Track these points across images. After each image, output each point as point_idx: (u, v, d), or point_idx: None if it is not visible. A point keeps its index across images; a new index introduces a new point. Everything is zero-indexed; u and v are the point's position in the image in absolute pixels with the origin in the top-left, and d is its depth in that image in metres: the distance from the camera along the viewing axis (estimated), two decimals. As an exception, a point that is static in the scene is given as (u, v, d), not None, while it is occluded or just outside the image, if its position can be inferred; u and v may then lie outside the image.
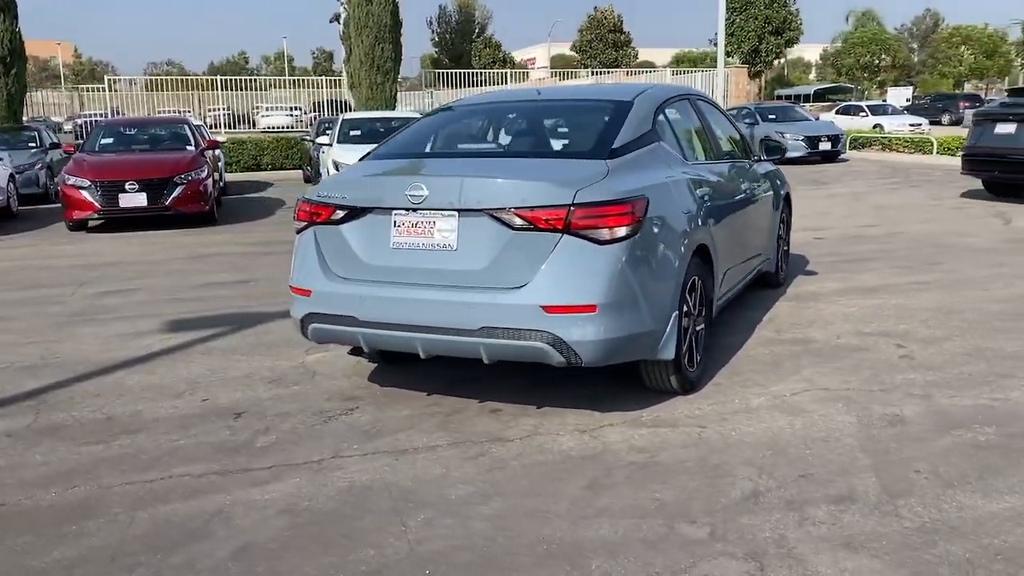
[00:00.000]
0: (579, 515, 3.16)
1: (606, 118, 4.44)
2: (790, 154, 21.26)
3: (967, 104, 47.82)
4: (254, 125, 29.27)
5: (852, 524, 3.03)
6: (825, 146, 22.00)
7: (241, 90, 28.75)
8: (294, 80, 31.49)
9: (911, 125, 33.93)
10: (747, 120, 22.83)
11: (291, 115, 31.26)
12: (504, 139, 4.94)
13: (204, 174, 12.13)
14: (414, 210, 3.88)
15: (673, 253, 4.08)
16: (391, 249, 3.97)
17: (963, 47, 62.95)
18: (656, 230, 3.90)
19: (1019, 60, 59.02)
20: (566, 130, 4.78)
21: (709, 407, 4.23)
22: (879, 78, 67.26)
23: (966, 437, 3.78)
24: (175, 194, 11.59)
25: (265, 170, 22.38)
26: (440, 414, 4.24)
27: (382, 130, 14.97)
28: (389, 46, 23.71)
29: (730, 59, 37.21)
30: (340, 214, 4.07)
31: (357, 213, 4.03)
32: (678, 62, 65.17)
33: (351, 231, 4.06)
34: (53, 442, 4.01)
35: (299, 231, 4.32)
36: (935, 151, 21.97)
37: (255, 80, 31.78)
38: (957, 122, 42.16)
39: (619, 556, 2.86)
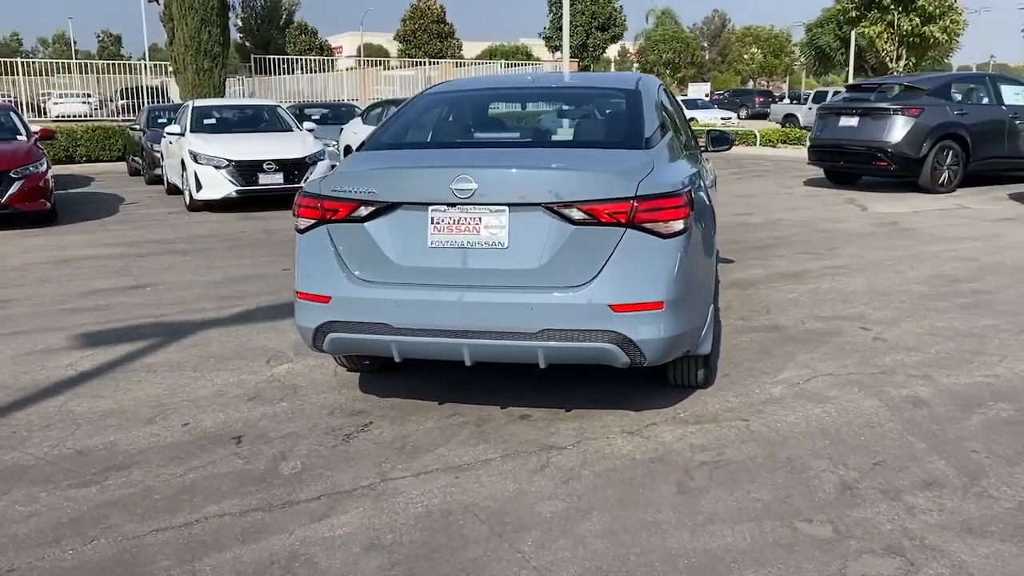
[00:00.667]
0: (692, 523, 3.01)
1: (623, 106, 4.29)
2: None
3: (761, 99, 51.61)
4: (44, 113, 26.30)
5: (958, 509, 3.06)
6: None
7: (23, 74, 25.70)
8: (107, 65, 28.77)
9: (722, 118, 36.19)
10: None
11: (86, 103, 28.43)
12: (523, 128, 4.66)
13: (44, 167, 10.84)
14: (455, 205, 3.56)
15: (708, 246, 4.02)
16: (429, 248, 3.62)
17: (754, 47, 67.81)
18: (696, 223, 3.80)
19: (802, 59, 64.27)
20: (586, 119, 4.57)
21: (736, 400, 4.19)
22: (680, 75, 71.27)
23: (991, 415, 3.96)
24: (12, 190, 10.27)
25: (79, 162, 20.46)
26: (468, 424, 3.94)
27: (236, 118, 14.05)
28: (217, 30, 22.35)
29: (558, 53, 37.99)
30: (364, 211, 3.67)
31: (385, 209, 3.65)
32: (490, 55, 65.93)
33: (378, 229, 3.67)
34: (27, 488, 3.36)
35: (303, 230, 3.86)
36: (758, 143, 23.47)
37: (53, 64, 28.81)
38: (755, 116, 45.45)
39: (768, 565, 2.74)
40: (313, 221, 3.79)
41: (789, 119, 33.67)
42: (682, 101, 36.95)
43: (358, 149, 4.23)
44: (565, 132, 4.42)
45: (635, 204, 3.47)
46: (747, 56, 69.45)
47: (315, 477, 3.42)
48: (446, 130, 4.56)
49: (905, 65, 22.35)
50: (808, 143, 14.65)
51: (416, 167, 3.80)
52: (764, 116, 42.94)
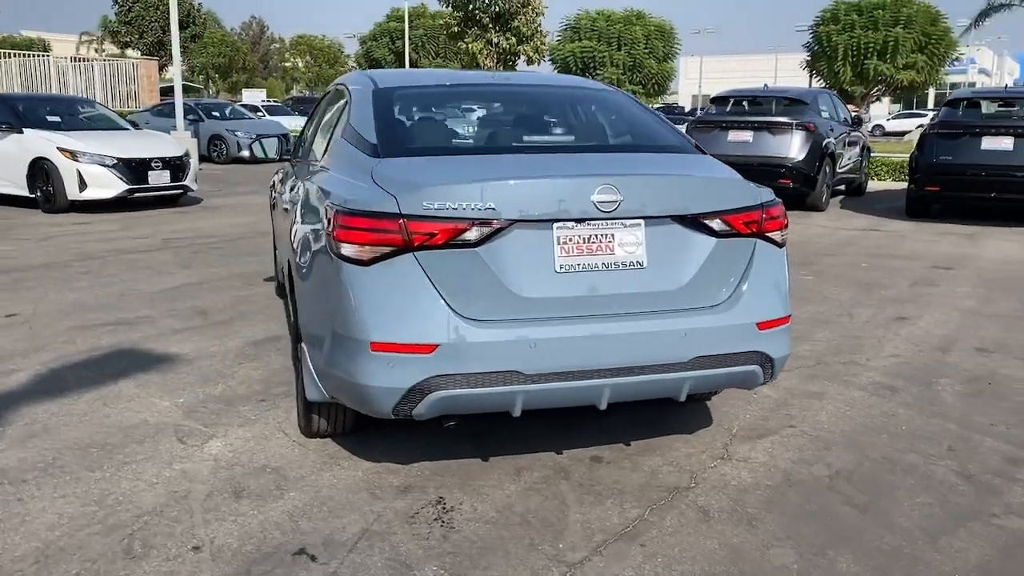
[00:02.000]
0: (924, 546, 2.90)
1: (634, 108, 3.97)
2: (247, 153, 20.73)
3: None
4: None
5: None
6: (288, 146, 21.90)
7: None
8: None
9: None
10: (189, 117, 21.43)
11: None
12: (557, 131, 3.98)
13: None
14: (584, 221, 2.97)
15: None
16: (556, 274, 2.96)
17: (307, 56, 68.15)
18: None
19: (356, 68, 66.11)
20: (620, 121, 4.07)
21: (777, 404, 4.13)
22: (232, 79, 68.88)
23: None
24: None
25: None
26: (552, 478, 3.34)
27: (61, 112, 12.17)
28: None
29: (130, 51, 34.06)
30: (477, 232, 2.88)
31: (501, 230, 2.91)
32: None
33: (494, 254, 2.90)
34: None
35: (368, 261, 2.90)
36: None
37: None
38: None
39: (1044, 565, 2.75)
40: (389, 249, 2.87)
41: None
42: (263, 107, 35.72)
43: (382, 154, 3.29)
44: (616, 135, 3.92)
45: (763, 213, 3.23)
46: (302, 65, 69.51)
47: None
48: (477, 134, 3.79)
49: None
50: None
51: (546, 176, 3.08)
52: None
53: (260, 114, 26.19)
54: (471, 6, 22.35)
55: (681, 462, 3.48)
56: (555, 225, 2.94)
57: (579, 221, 2.95)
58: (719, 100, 13.33)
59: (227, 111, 23.09)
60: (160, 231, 9.68)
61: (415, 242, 2.85)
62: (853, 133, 13.50)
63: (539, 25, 23.10)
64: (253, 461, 3.45)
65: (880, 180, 16.05)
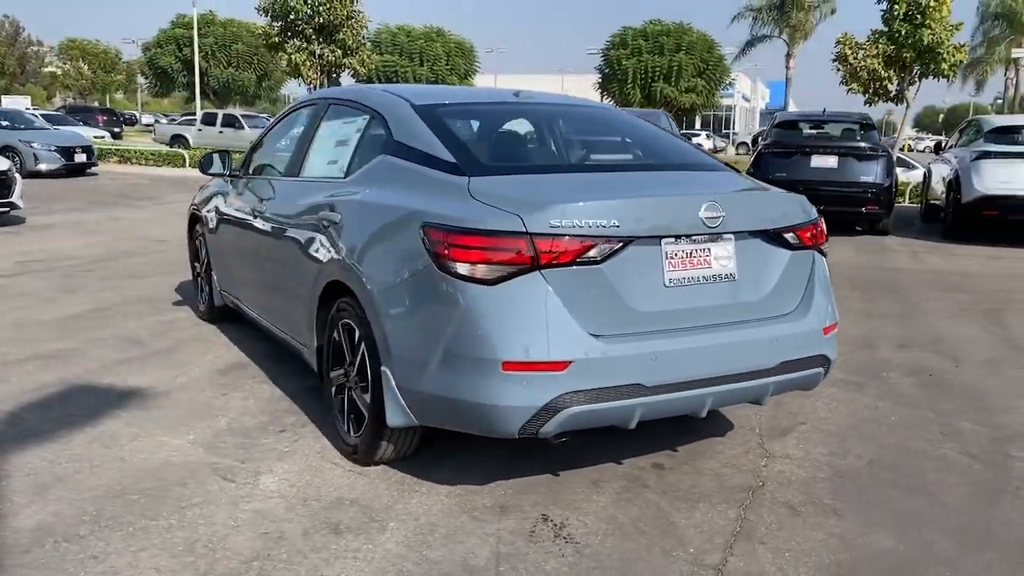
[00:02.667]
0: (985, 520, 3.28)
1: (661, 131, 4.16)
2: (46, 167, 18.97)
3: (104, 118, 48.23)
4: None
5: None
6: (81, 158, 20.20)
7: None
8: None
9: (96, 136, 33.11)
10: (-33, 126, 19.36)
11: None
12: (617, 150, 3.99)
13: None
14: (686, 237, 3.11)
15: None
16: (665, 288, 3.07)
17: (80, 61, 63.15)
18: None
19: (142, 79, 61.83)
20: (658, 141, 4.16)
21: (776, 403, 4.39)
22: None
23: None
24: None
25: None
26: (633, 488, 3.43)
27: None
28: None
29: None
30: (601, 249, 2.93)
31: (623, 246, 2.98)
32: None
33: (615, 270, 2.96)
34: None
35: (493, 280, 2.88)
36: (188, 164, 22.40)
37: None
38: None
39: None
40: (517, 267, 2.87)
41: (177, 140, 32.49)
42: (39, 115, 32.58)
43: (468, 172, 3.24)
44: (668, 154, 4.01)
45: (816, 227, 3.52)
46: (72, 70, 64.08)
47: (655, 591, 2.68)
48: (543, 151, 3.77)
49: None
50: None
51: (662, 195, 3.16)
52: (117, 136, 39.99)
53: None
54: (291, 16, 21.74)
55: (735, 463, 3.69)
56: (663, 241, 3.05)
57: (680, 237, 3.08)
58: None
59: (17, 120, 20.98)
60: (5, 254, 8.70)
61: (542, 260, 2.86)
62: None
63: (364, 38, 22.86)
64: (323, 495, 3.28)
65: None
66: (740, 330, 3.18)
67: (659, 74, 46.02)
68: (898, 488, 3.48)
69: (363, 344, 3.40)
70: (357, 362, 3.47)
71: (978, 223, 11.42)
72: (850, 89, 18.83)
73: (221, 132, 27.92)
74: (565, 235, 2.87)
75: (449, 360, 2.95)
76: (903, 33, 17.69)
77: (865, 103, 19.16)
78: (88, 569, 2.71)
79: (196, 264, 6.10)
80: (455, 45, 51.31)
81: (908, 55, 17.90)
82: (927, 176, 14.39)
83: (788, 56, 54.53)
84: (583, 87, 63.57)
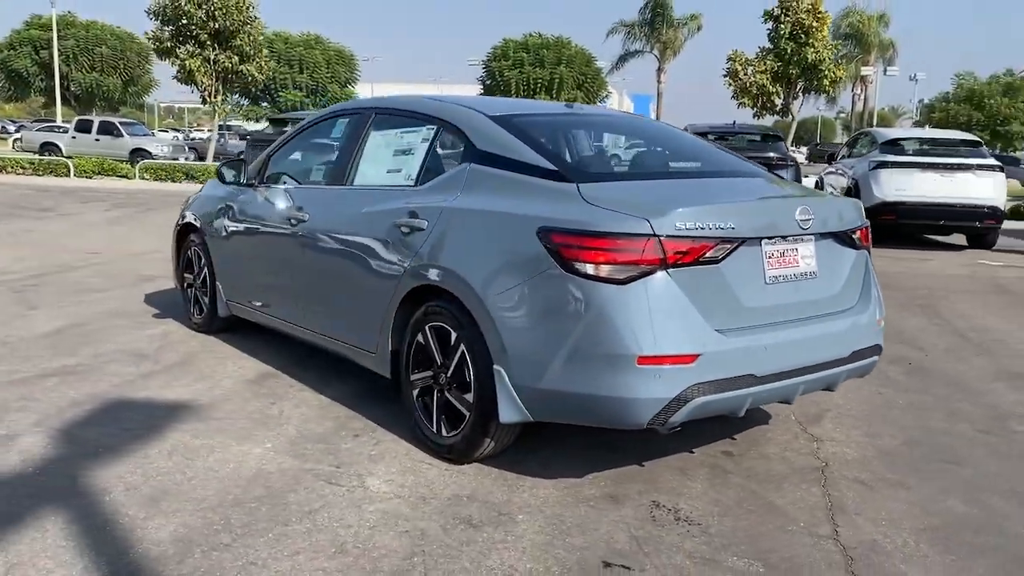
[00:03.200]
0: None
1: (698, 140, 4.45)
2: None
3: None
4: None
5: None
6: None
7: None
8: None
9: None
10: None
11: None
12: (688, 159, 4.18)
13: None
14: (782, 238, 3.41)
15: None
16: (765, 285, 3.35)
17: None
18: None
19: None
20: (709, 151, 4.40)
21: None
22: None
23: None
24: None
25: None
26: (718, 474, 3.70)
27: None
28: None
29: None
30: (721, 250, 3.18)
31: (737, 247, 3.25)
32: None
33: (730, 269, 3.22)
34: None
35: (624, 280, 3.07)
36: (72, 173, 21.29)
37: None
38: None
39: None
40: (647, 267, 3.08)
41: (48, 148, 30.67)
42: None
43: (574, 179, 3.42)
44: (725, 161, 4.25)
45: (868, 228, 3.90)
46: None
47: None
48: (626, 159, 3.95)
49: (223, 98, 23.02)
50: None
51: (766, 199, 3.43)
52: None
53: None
54: (184, 21, 21.03)
55: (793, 447, 4.01)
56: (763, 241, 3.33)
57: (781, 237, 3.38)
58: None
59: None
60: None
61: (669, 260, 3.08)
62: None
63: (261, 45, 22.33)
64: (436, 493, 3.38)
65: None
66: (823, 323, 3.50)
67: (541, 86, 46.90)
68: (940, 462, 3.89)
69: (462, 345, 3.51)
70: (454, 363, 3.57)
71: (875, 228, 12.39)
72: (741, 103, 19.95)
73: (98, 140, 26.61)
74: (689, 237, 3.10)
75: (578, 357, 3.12)
76: (789, 51, 18.91)
77: (754, 116, 20.32)
78: (252, 574, 2.72)
79: (187, 275, 5.96)
80: (335, 53, 50.66)
81: (794, 71, 19.13)
82: (819, 185, 15.45)
83: (659, 71, 56.84)
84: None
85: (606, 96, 52.06)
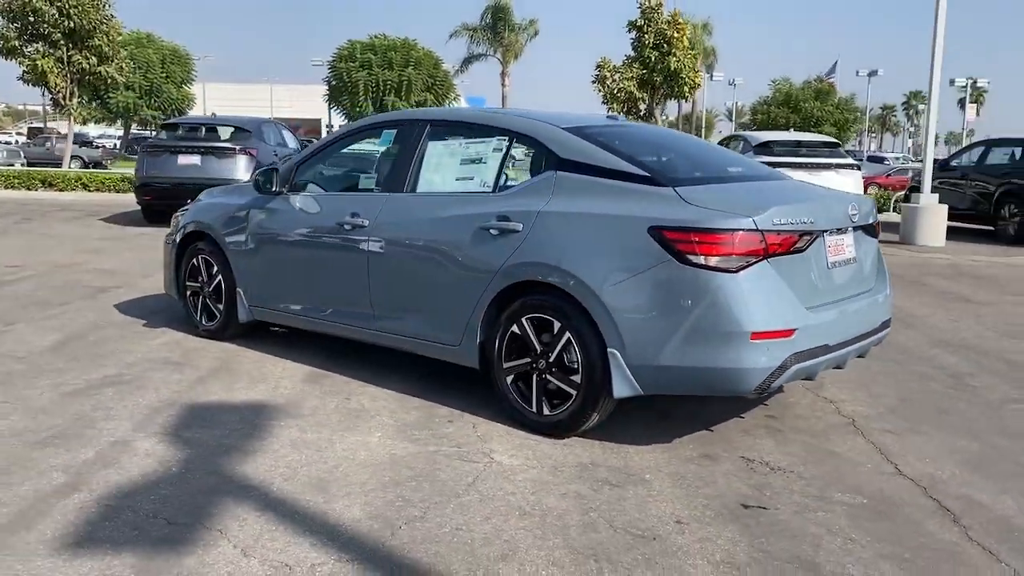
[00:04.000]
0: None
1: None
2: None
3: None
4: None
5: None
6: None
7: None
8: None
9: None
10: None
11: None
12: (734, 165, 4.72)
13: None
14: (835, 231, 4.10)
15: None
16: (828, 269, 4.02)
17: None
18: None
19: None
20: (734, 157, 4.98)
21: None
22: None
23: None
24: None
25: None
26: (776, 436, 4.37)
27: None
28: None
29: None
30: (804, 241, 3.82)
31: (815, 238, 3.90)
32: None
33: (809, 257, 3.87)
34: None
35: (736, 269, 3.65)
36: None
37: None
38: None
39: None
40: (752, 258, 3.68)
41: None
42: None
43: (669, 183, 3.95)
44: (756, 167, 4.84)
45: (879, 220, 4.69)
46: None
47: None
48: (690, 165, 4.47)
49: (79, 101, 21.69)
50: (137, 182, 13.76)
51: (830, 199, 4.08)
52: None
53: None
54: (33, 18, 19.79)
55: (818, 408, 4.72)
56: (825, 233, 4.01)
57: (837, 230, 4.07)
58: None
59: None
60: None
61: (770, 251, 3.69)
62: None
63: (119, 45, 21.30)
64: (562, 463, 3.82)
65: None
66: (862, 300, 4.22)
67: (390, 88, 46.91)
68: (936, 412, 4.71)
69: (567, 333, 3.97)
70: (557, 350, 4.02)
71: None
72: (610, 108, 21.10)
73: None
74: (783, 231, 3.72)
75: (696, 335, 3.66)
76: (653, 59, 20.22)
77: (622, 120, 21.58)
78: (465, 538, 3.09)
79: (191, 284, 6.02)
80: (170, 52, 48.49)
81: (658, 79, 20.48)
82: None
83: (503, 74, 58.18)
84: (307, 96, 62.92)
85: (455, 98, 52.72)
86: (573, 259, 3.95)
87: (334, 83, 48.76)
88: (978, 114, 56.61)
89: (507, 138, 4.49)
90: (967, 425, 4.49)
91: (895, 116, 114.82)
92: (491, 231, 4.24)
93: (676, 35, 20.10)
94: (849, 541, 3.13)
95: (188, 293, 6.07)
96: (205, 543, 2.99)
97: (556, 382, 4.06)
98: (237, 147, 13.30)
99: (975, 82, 50.32)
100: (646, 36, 20.27)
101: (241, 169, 13.01)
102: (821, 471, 3.81)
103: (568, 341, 3.98)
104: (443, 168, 4.74)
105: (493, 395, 4.37)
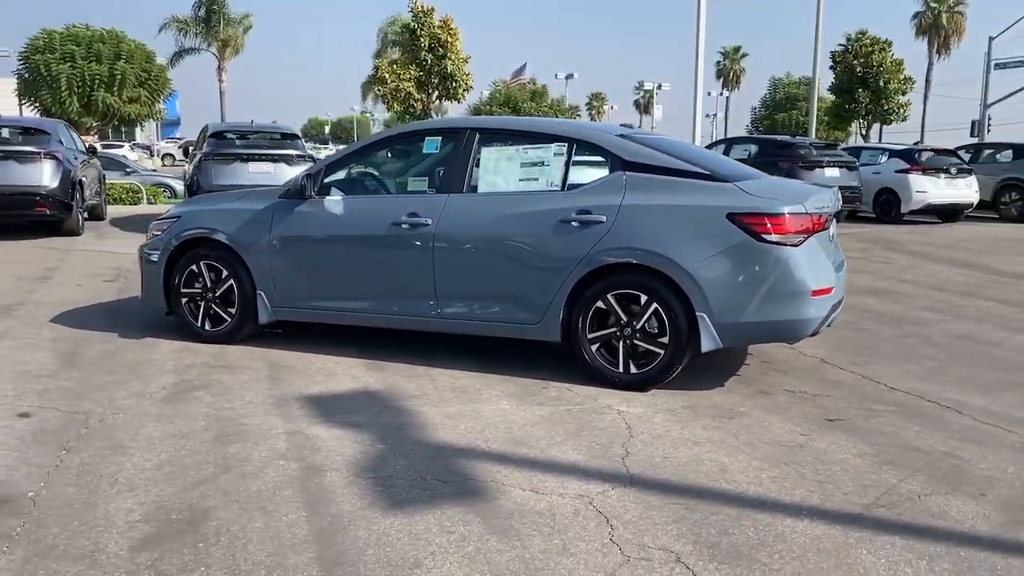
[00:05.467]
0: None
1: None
2: None
3: None
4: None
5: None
6: None
7: None
8: None
9: None
10: None
11: None
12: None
13: None
14: (832, 213, 5.38)
15: None
16: (829, 242, 5.29)
17: None
18: None
19: None
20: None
21: None
22: None
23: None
24: None
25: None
26: (797, 402, 5.61)
27: None
28: None
29: None
30: (827, 220, 5.05)
31: (830, 219, 5.15)
32: None
33: (826, 233, 5.12)
34: None
35: (797, 243, 4.78)
36: None
37: None
38: None
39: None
40: (805, 235, 4.84)
41: None
42: None
43: (727, 179, 4.98)
44: (749, 167, 5.93)
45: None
46: None
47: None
48: (716, 165, 5.40)
49: None
50: None
51: (825, 189, 5.30)
52: None
53: None
54: None
55: (788, 353, 6.04)
56: (832, 215, 5.30)
57: (832, 213, 5.36)
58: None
59: None
60: None
61: (813, 229, 4.89)
62: (91, 162, 14.44)
63: None
64: (672, 407, 4.74)
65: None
66: (841, 271, 5.57)
67: (100, 82, 43.09)
68: (905, 345, 6.22)
69: (654, 303, 4.88)
70: (644, 319, 4.92)
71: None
72: (390, 107, 21.74)
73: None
74: (818, 213, 4.93)
75: (770, 296, 4.74)
76: (429, 62, 21.18)
77: (399, 120, 22.25)
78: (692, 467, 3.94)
79: (187, 291, 6.05)
80: None
81: (435, 81, 21.48)
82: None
83: (220, 69, 55.75)
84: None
85: (171, 94, 49.46)
86: (662, 242, 4.85)
87: (28, 76, 43.78)
88: (651, 114, 64.49)
89: (566, 144, 5.27)
90: (934, 356, 6.01)
91: (579, 115, 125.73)
92: (572, 223, 5.02)
93: (450, 39, 21.18)
94: (917, 431, 4.39)
95: (186, 302, 6.09)
96: (493, 490, 3.54)
97: (644, 345, 4.94)
98: (41, 151, 12.11)
99: (660, 85, 56.98)
100: (422, 40, 21.12)
101: (47, 175, 11.94)
102: (845, 393, 5.06)
103: (656, 310, 4.89)
104: (502, 171, 5.39)
105: (552, 365, 5.31)
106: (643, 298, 4.91)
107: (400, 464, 3.84)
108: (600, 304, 5.00)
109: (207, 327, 6.04)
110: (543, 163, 5.31)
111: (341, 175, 5.80)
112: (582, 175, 5.25)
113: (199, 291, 6.02)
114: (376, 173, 6.02)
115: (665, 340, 4.89)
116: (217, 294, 5.97)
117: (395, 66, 22.09)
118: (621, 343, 4.99)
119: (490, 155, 5.44)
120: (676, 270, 4.81)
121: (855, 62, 31.55)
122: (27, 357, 5.59)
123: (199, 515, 3.27)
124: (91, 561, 2.92)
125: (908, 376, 5.47)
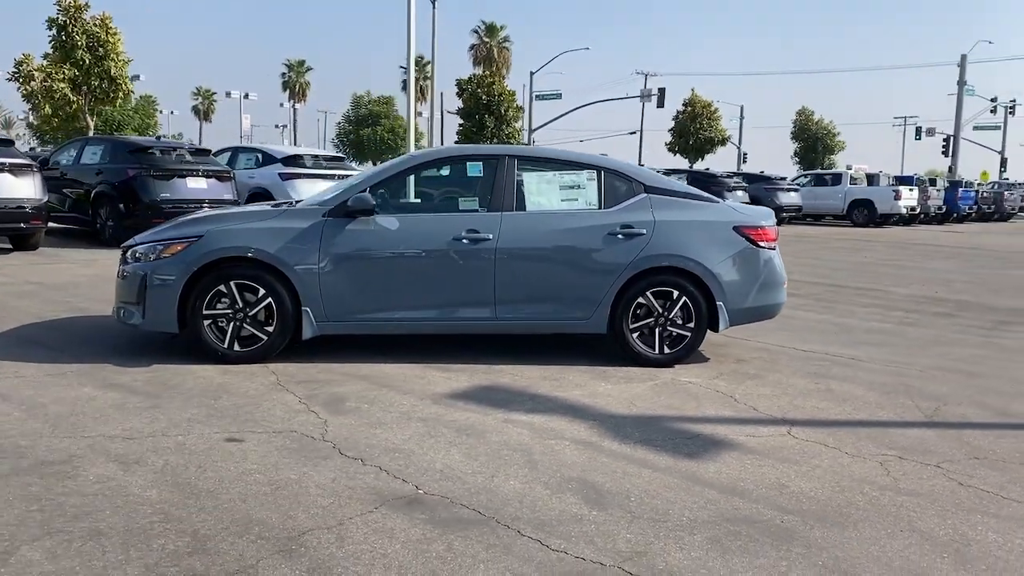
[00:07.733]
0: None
1: None
2: None
3: None
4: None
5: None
6: None
7: None
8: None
9: None
10: None
11: None
12: None
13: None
14: None
15: None
16: (761, 246, 7.22)
17: None
18: None
19: None
20: None
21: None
22: None
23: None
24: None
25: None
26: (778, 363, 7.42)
27: None
28: None
29: None
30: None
31: (769, 229, 7.04)
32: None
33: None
34: None
35: (775, 248, 6.56)
36: None
37: None
38: None
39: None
40: (776, 240, 6.69)
41: None
42: None
43: (718, 200, 6.55)
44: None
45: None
46: None
47: (824, 357, 7.09)
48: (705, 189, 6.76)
49: None
50: None
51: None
52: None
53: None
54: None
55: (738, 340, 7.88)
56: (759, 227, 7.21)
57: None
58: None
59: None
60: None
61: (777, 237, 6.77)
62: None
63: None
64: (707, 374, 6.26)
65: None
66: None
67: None
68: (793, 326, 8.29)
69: (684, 298, 6.35)
70: (675, 310, 6.35)
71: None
72: (40, 108, 19.32)
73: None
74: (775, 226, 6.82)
75: (765, 286, 6.46)
76: (88, 62, 19.35)
77: (52, 122, 19.86)
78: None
79: (210, 312, 5.98)
80: None
81: (95, 82, 19.64)
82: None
83: None
84: None
85: None
86: (691, 249, 6.29)
87: None
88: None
89: (595, 171, 6.44)
90: (905, 318, 8.15)
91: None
92: (619, 235, 6.24)
93: (111, 40, 19.54)
94: (919, 387, 6.45)
95: (208, 322, 5.99)
96: (716, 433, 4.74)
97: (675, 330, 6.35)
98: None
99: (247, 94, 56.47)
100: (77, 37, 19.16)
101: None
102: (827, 365, 7.00)
103: (684, 303, 6.33)
104: (544, 192, 6.36)
105: (570, 355, 6.51)
106: (675, 293, 6.30)
107: (636, 434, 4.78)
108: (640, 300, 6.26)
109: (235, 347, 5.99)
110: (579, 186, 6.40)
111: (383, 196, 6.21)
112: (620, 196, 6.43)
113: (226, 311, 5.95)
114: (414, 193, 6.48)
115: (691, 325, 6.34)
116: (252, 312, 5.97)
117: (45, 63, 19.56)
118: (657, 330, 6.32)
119: (531, 179, 6.36)
120: (703, 270, 6.29)
121: (479, 91, 35.23)
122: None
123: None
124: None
125: (852, 346, 7.59)
